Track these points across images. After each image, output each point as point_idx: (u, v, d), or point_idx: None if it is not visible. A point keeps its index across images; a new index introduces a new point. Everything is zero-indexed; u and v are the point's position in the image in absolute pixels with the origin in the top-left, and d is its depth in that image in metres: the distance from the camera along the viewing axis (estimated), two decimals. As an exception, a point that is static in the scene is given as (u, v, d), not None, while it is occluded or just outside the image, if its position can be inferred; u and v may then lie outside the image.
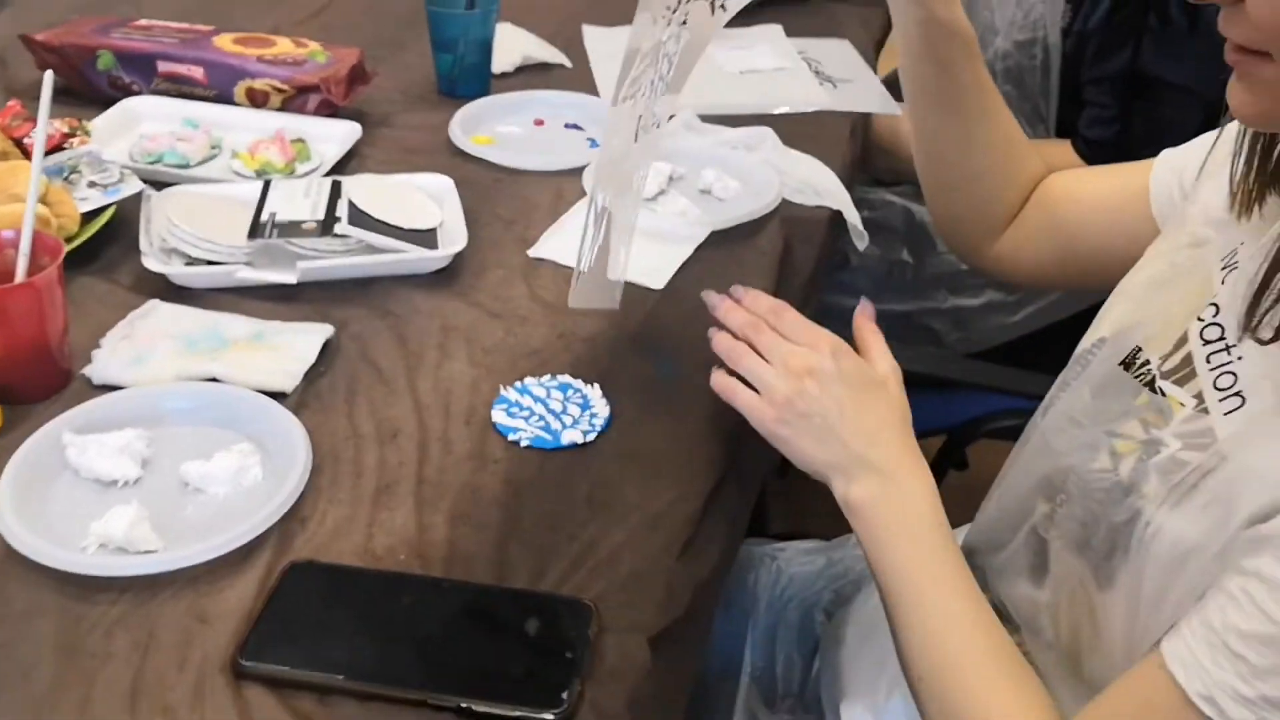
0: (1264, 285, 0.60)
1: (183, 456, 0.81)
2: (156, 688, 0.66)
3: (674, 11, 0.78)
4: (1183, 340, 0.71)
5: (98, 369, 0.88)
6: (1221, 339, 0.68)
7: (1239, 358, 0.66)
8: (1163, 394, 0.71)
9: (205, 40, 1.28)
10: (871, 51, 1.56)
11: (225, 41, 1.28)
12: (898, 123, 1.46)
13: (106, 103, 1.26)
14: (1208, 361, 0.69)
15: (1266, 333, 0.60)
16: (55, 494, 0.78)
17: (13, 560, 0.73)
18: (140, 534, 0.74)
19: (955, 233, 1.05)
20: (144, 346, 0.91)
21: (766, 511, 1.30)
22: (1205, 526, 0.63)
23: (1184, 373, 0.70)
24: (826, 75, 1.46)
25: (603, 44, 1.51)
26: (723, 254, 1.08)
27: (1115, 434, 0.73)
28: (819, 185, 1.19)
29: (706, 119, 1.29)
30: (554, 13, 1.60)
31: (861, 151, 1.50)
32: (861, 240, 1.17)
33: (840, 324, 1.52)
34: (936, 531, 0.75)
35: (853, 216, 1.17)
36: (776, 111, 1.35)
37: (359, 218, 1.02)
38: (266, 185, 1.07)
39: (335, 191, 1.06)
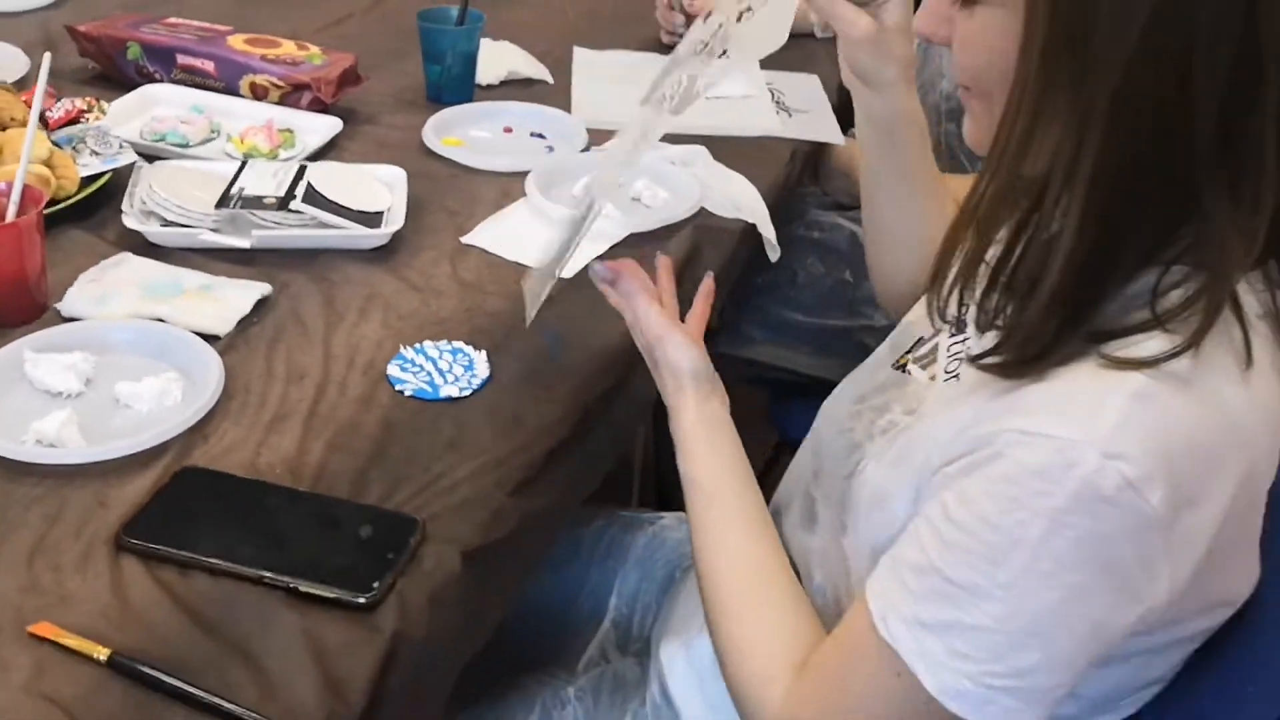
0: (934, 276, 0.71)
1: (119, 378, 0.96)
2: (53, 551, 0.81)
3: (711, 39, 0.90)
4: (938, 332, 0.83)
5: (67, 304, 1.05)
6: (964, 330, 0.80)
7: (970, 347, 0.78)
8: (908, 373, 0.84)
9: (220, 39, 1.46)
10: (835, 86, 1.67)
11: (237, 41, 1.45)
12: (855, 149, 1.58)
13: (133, 87, 1.44)
14: (948, 350, 0.81)
15: (948, 316, 0.72)
16: (10, 399, 0.94)
17: (-36, 446, 0.89)
18: (68, 434, 0.90)
19: (882, 285, 1.14)
20: (109, 289, 1.07)
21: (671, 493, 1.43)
22: (894, 476, 0.75)
23: (930, 358, 0.82)
24: (786, 105, 1.59)
25: (588, 65, 1.66)
26: (633, 253, 1.21)
27: (863, 402, 0.85)
28: (740, 200, 1.31)
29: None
30: (551, 32, 1.75)
31: (816, 175, 1.63)
32: (774, 252, 1.29)
33: (787, 336, 1.64)
34: (695, 487, 0.88)
35: (767, 231, 1.29)
36: (728, 134, 1.48)
37: (313, 197, 1.18)
38: (243, 165, 1.23)
39: (299, 174, 1.21)
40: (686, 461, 0.89)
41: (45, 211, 1.14)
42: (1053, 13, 0.63)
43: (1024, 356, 0.68)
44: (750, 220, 1.29)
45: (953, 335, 0.81)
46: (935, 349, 0.83)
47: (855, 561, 0.81)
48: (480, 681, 1.01)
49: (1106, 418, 0.63)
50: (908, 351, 0.86)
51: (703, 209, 1.30)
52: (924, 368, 0.83)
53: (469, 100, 1.51)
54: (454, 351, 1.04)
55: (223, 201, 1.16)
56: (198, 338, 1.01)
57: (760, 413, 1.69)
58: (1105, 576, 0.65)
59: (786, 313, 1.62)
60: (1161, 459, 0.63)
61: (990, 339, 0.70)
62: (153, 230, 1.15)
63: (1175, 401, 0.64)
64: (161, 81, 1.45)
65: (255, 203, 1.17)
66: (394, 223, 1.19)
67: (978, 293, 0.70)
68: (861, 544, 0.79)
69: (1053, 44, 0.64)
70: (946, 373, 0.80)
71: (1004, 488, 0.65)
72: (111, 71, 1.48)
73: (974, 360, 0.70)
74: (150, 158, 1.28)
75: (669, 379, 0.92)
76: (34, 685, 0.72)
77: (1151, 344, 0.65)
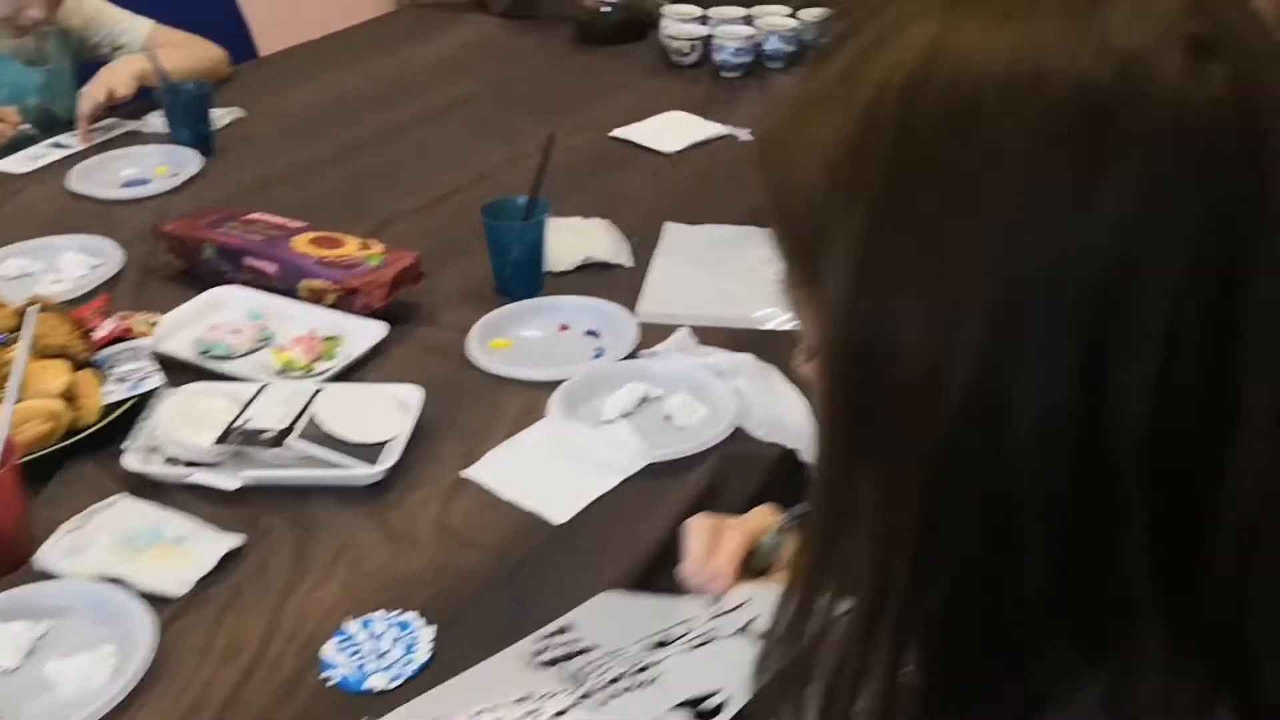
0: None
1: (55, 652, 0.94)
2: None
3: None
4: None
5: (40, 557, 1.03)
6: None
7: None
8: None
9: (285, 240, 1.45)
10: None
11: (301, 241, 1.45)
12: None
13: (211, 284, 1.46)
14: None
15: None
16: (-55, 675, 0.93)
17: (-118, 732, 0.88)
18: (-25, 726, 0.87)
19: None
20: (86, 538, 1.05)
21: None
22: None
23: None
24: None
25: (675, 241, 1.56)
26: (640, 489, 1.10)
27: None
28: (783, 421, 1.17)
29: (711, 331, 1.31)
30: (647, 207, 1.67)
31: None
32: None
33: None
34: None
35: (808, 458, 1.14)
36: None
37: (313, 430, 1.14)
38: (259, 390, 1.21)
39: (309, 402, 1.17)
40: None
41: (62, 445, 1.15)
42: (844, 378, 0.50)
43: None
44: (790, 445, 1.15)
45: None
46: None
47: None
48: None
49: None
50: None
51: (738, 429, 1.17)
52: None
53: (537, 292, 1.44)
54: (402, 625, 0.96)
55: (223, 437, 1.14)
56: (145, 607, 0.97)
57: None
58: None
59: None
60: None
61: None
62: (149, 469, 1.13)
63: None
64: (233, 281, 1.46)
65: (253, 438, 1.13)
66: (389, 459, 1.13)
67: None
68: None
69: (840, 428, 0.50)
70: None
71: None
72: (194, 268, 1.51)
73: None
74: (196, 369, 1.28)
75: None
76: None
77: None
